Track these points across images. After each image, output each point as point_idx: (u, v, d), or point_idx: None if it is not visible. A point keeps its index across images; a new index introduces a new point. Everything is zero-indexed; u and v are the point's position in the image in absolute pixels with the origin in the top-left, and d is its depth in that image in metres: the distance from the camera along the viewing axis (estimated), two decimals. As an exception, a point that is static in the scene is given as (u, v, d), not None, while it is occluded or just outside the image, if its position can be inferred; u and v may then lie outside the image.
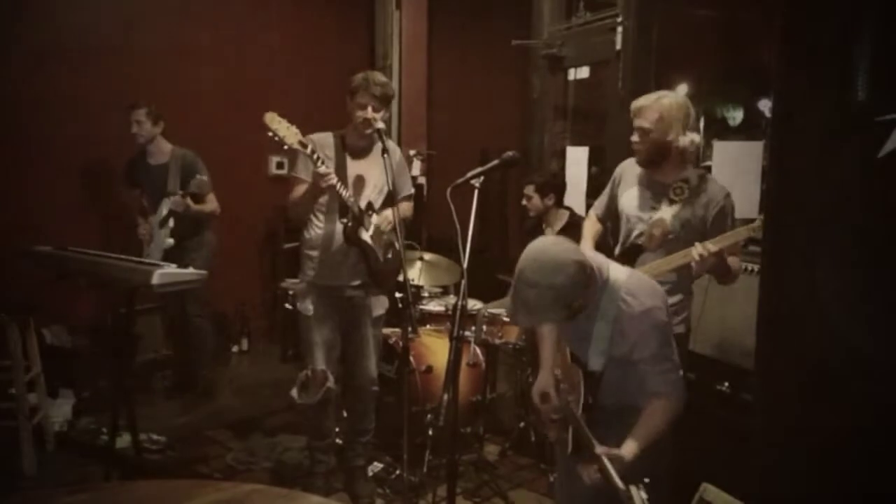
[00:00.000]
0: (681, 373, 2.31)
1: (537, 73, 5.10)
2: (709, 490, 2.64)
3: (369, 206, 3.24)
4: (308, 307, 3.28)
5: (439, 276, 4.06)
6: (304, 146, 2.95)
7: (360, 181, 3.24)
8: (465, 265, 2.46)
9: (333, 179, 3.00)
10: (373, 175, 3.27)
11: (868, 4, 1.44)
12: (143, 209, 4.41)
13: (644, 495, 1.81)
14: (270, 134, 2.90)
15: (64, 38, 4.66)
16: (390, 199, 3.21)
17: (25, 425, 3.52)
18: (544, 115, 5.15)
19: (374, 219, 3.25)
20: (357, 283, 3.30)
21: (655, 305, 2.22)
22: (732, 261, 2.72)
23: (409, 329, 3.08)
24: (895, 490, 1.48)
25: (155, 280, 2.69)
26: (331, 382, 3.28)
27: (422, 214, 5.66)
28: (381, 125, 3.12)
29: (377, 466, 3.67)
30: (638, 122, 2.75)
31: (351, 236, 3.16)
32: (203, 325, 4.64)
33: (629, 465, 2.04)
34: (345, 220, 3.15)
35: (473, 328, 3.85)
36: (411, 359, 3.43)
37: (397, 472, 3.58)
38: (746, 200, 3.25)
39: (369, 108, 3.11)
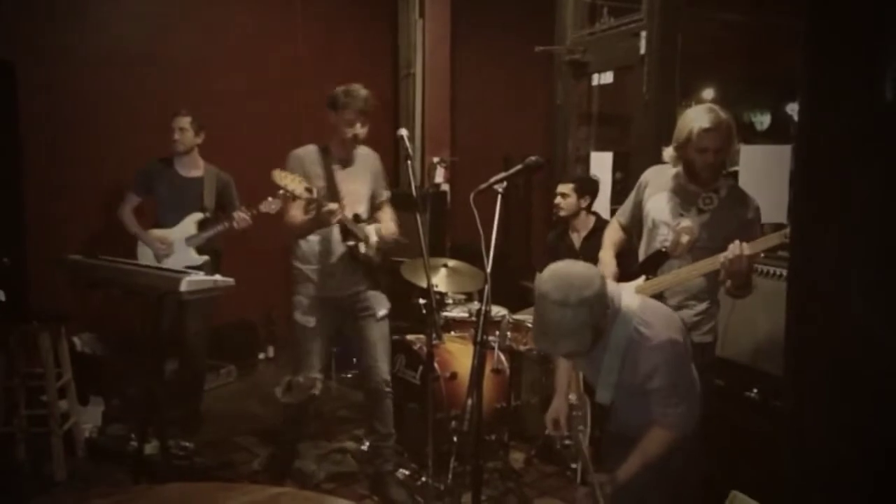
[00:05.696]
0: (691, 404, 2.29)
1: (561, 79, 5.09)
2: (738, 498, 2.60)
3: (356, 217, 3.33)
4: (310, 319, 3.38)
5: (463, 283, 4.05)
6: (311, 192, 3.07)
7: (349, 191, 3.35)
8: (488, 271, 2.46)
9: (340, 215, 3.12)
10: (358, 184, 3.40)
11: (893, 3, 1.42)
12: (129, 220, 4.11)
13: None
14: (281, 191, 3.08)
15: (98, 51, 4.77)
16: (372, 204, 3.47)
17: (56, 432, 3.58)
18: (568, 121, 5.14)
19: (366, 228, 3.35)
20: (358, 289, 3.41)
21: (671, 337, 2.19)
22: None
23: (434, 335, 3.09)
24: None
25: (183, 287, 2.73)
26: (316, 390, 3.46)
27: (445, 221, 5.67)
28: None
29: (403, 473, 3.67)
30: (709, 143, 2.64)
31: (357, 255, 3.31)
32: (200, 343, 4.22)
33: (623, 485, 2.12)
34: (351, 243, 3.28)
35: (497, 334, 3.85)
36: (436, 365, 3.43)
37: (422, 479, 3.57)
38: (774, 205, 3.21)
39: (357, 124, 3.25)
